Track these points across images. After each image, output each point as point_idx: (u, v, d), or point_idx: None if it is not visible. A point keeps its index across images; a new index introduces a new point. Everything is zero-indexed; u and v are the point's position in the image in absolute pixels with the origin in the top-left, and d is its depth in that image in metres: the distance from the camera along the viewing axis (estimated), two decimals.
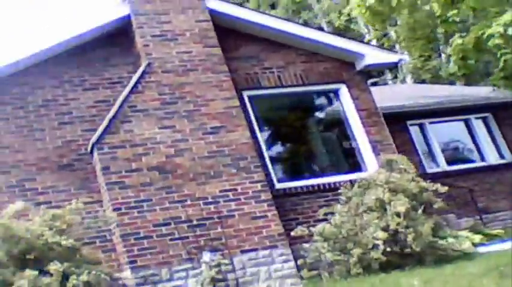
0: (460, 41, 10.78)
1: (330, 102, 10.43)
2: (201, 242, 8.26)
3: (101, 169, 8.31)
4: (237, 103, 9.26)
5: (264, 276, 8.23)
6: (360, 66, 10.37)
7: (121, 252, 8.23)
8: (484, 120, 15.74)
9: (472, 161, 15.28)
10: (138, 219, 8.15)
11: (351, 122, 10.07)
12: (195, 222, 8.36)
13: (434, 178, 14.23)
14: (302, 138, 10.50)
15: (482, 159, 15.25)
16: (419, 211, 7.83)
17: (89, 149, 8.81)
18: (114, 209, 8.06)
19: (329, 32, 13.26)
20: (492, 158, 15.24)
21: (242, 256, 8.37)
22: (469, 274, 6.10)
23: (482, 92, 16.86)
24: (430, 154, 14.96)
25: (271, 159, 9.55)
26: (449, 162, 14.97)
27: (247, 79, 9.90)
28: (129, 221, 8.10)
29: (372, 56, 10.31)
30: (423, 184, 8.04)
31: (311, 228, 8.18)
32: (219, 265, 8.04)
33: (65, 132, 8.85)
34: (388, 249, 7.48)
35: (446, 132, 15.49)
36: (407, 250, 7.56)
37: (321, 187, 9.49)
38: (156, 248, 8.11)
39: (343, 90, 10.17)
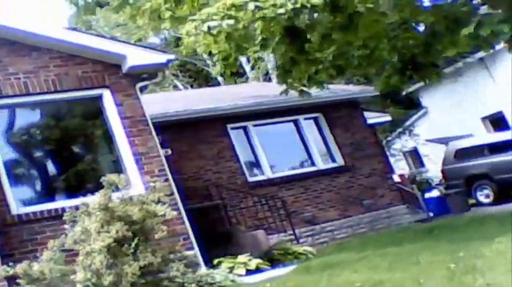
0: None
1: (94, 110, 8.94)
2: None
3: None
4: None
5: None
6: (125, 68, 9.03)
7: None
8: (315, 121, 14.97)
9: (301, 167, 14.42)
10: None
11: (115, 132, 8.65)
12: None
13: (257, 187, 13.44)
14: (54, 154, 9.03)
15: (313, 164, 14.45)
16: (133, 244, 6.46)
17: None
18: None
19: (88, 33, 11.90)
20: (322, 162, 14.47)
21: None
22: None
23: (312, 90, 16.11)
24: (255, 160, 13.92)
25: (12, 179, 7.94)
26: (277, 168, 14.04)
27: None
28: None
29: (135, 56, 9.05)
30: (150, 208, 6.74)
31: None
32: None
33: None
34: None
35: (274, 135, 14.54)
36: None
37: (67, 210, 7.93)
38: None
39: (107, 95, 8.73)
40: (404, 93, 24.22)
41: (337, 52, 8.83)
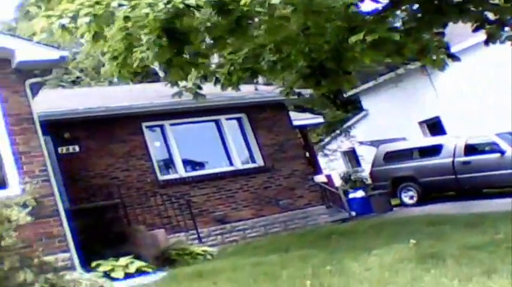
0: None
1: None
2: None
3: None
4: None
5: None
6: (14, 64, 9.08)
7: None
8: (238, 121, 15.16)
9: (218, 166, 14.58)
10: None
11: None
12: None
13: (168, 185, 13.59)
14: None
15: (231, 164, 14.62)
16: None
17: None
18: None
19: None
20: (240, 162, 14.65)
21: None
22: None
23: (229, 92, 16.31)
24: (170, 159, 14.07)
25: None
26: (193, 167, 14.23)
27: None
28: None
29: (25, 52, 9.03)
30: (5, 213, 6.77)
31: None
32: None
33: None
34: None
35: (194, 134, 14.69)
36: None
37: None
38: None
39: None
40: (345, 95, 24.62)
41: (248, 55, 8.84)
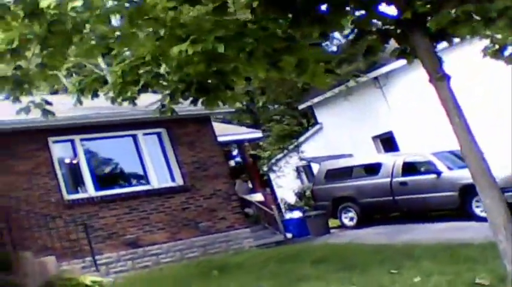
0: None
1: None
2: None
3: None
4: None
5: None
6: None
7: None
8: (158, 136, 14.48)
9: (133, 185, 13.91)
10: None
11: None
12: None
13: (75, 205, 12.87)
14: None
15: (147, 182, 13.94)
16: None
17: None
18: None
19: None
20: (158, 181, 13.96)
21: None
22: None
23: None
24: (79, 176, 13.36)
25: None
26: (104, 186, 13.51)
27: None
28: None
29: None
30: None
31: None
32: None
33: None
34: None
35: (109, 150, 14.05)
36: None
37: None
38: None
39: None
40: (300, 108, 24.04)
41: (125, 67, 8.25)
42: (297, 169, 22.78)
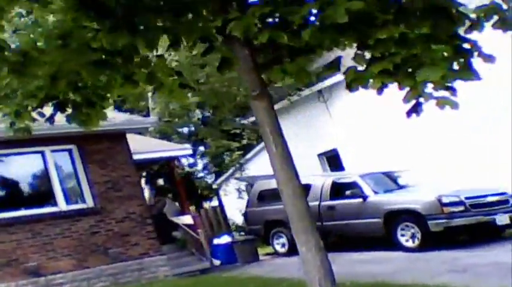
0: None
1: None
2: None
3: None
4: None
5: None
6: None
7: None
8: (69, 153, 13.74)
9: (36, 207, 13.10)
10: None
11: None
12: None
13: None
14: None
15: (54, 204, 13.16)
16: None
17: None
18: None
19: None
20: (65, 202, 13.19)
21: None
22: None
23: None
24: None
25: None
26: (4, 208, 12.68)
27: None
28: None
29: None
30: None
31: None
32: None
33: None
34: None
35: (11, 168, 13.28)
36: None
37: None
38: None
39: None
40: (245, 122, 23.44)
41: None
42: (238, 189, 22.05)
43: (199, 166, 23.11)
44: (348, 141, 19.31)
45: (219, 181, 23.18)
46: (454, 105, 4.96)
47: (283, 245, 15.58)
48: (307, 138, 20.32)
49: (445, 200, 12.34)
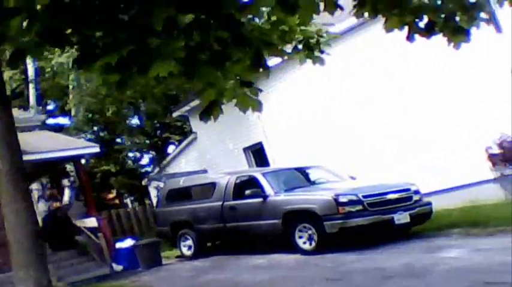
0: None
1: None
2: None
3: None
4: None
5: None
6: None
7: None
8: None
9: None
10: None
11: None
12: None
13: None
14: None
15: None
16: None
17: None
18: None
19: None
20: None
21: None
22: None
23: None
24: None
25: None
26: None
27: None
28: None
29: None
30: None
31: None
32: None
33: None
34: None
35: None
36: None
37: None
38: None
39: None
40: (174, 116, 22.67)
41: None
42: (157, 188, 21.25)
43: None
44: (273, 135, 18.63)
45: (145, 179, 22.44)
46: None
47: (189, 248, 14.86)
48: (236, 132, 19.65)
49: (342, 199, 11.59)
